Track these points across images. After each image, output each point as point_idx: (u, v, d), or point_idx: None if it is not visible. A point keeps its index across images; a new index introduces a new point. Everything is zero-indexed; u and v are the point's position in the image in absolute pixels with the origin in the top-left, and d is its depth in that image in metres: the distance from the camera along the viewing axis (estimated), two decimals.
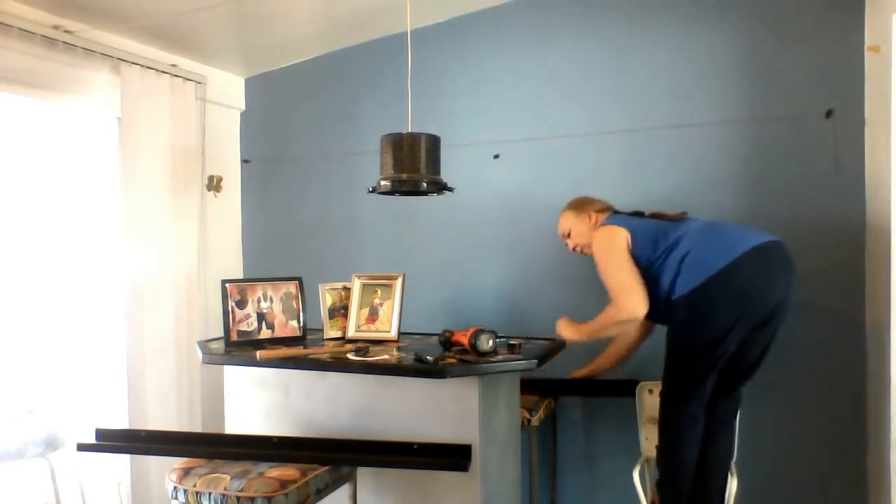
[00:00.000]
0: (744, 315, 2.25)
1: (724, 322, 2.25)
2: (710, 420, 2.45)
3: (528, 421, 2.83)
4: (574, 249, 2.74)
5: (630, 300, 2.36)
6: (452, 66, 3.47)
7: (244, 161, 3.94)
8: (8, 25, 2.63)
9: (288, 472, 2.11)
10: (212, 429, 3.30)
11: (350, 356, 2.35)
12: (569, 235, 2.74)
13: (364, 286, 2.83)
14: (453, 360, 2.27)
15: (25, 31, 2.69)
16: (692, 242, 2.36)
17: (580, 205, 2.74)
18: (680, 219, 2.51)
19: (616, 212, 2.69)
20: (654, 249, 2.41)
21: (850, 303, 2.81)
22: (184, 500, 2.11)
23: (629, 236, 2.45)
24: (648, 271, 2.42)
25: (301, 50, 3.72)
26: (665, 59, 3.10)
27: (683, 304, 2.31)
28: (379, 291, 2.81)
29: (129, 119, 3.13)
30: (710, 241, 2.34)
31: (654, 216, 2.56)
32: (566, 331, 2.61)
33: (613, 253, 2.44)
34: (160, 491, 3.10)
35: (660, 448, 2.46)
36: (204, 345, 2.69)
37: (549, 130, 3.28)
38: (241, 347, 2.62)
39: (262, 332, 2.71)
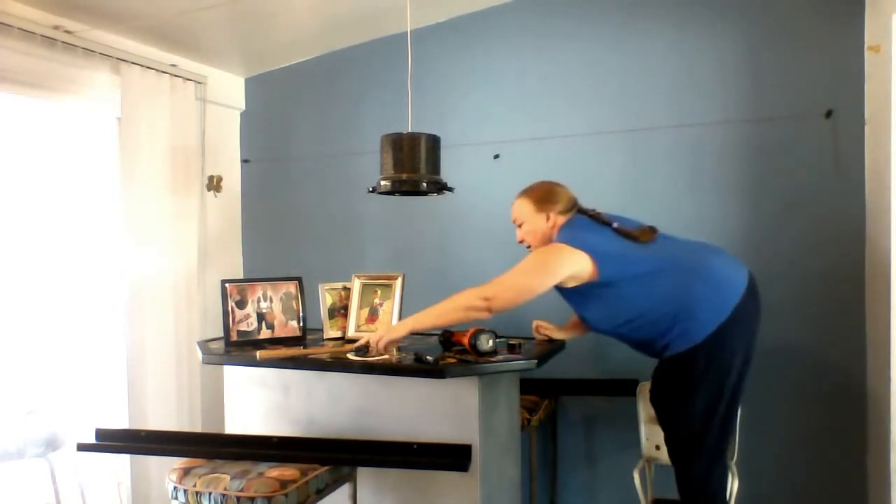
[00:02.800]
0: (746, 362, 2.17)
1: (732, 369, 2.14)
2: None
3: (528, 421, 2.83)
4: (520, 242, 2.47)
5: (508, 298, 2.20)
6: (453, 66, 3.47)
7: (244, 161, 3.94)
8: (8, 25, 2.62)
9: (288, 472, 2.11)
10: (212, 429, 3.30)
11: (350, 356, 2.35)
12: (520, 226, 2.44)
13: (364, 286, 2.83)
14: (453, 360, 2.27)
15: (25, 31, 2.69)
16: (683, 291, 2.15)
17: (541, 198, 2.38)
18: (650, 239, 2.23)
19: (580, 210, 2.37)
20: (622, 273, 2.17)
21: (850, 303, 2.81)
22: (184, 500, 2.11)
23: (592, 267, 2.15)
24: (616, 291, 2.19)
25: (301, 50, 3.72)
26: (665, 59, 3.10)
27: (698, 353, 2.13)
28: (379, 291, 2.81)
29: (129, 119, 3.13)
30: (705, 290, 2.14)
31: (619, 232, 2.25)
32: (388, 335, 2.31)
33: (547, 269, 2.19)
34: (160, 491, 3.10)
35: None
36: (204, 345, 2.69)
37: (549, 130, 3.28)
38: (241, 347, 2.62)
39: (262, 332, 2.71)
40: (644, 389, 2.76)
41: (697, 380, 2.15)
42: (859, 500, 2.81)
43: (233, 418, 2.70)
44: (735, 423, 2.35)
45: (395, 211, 3.55)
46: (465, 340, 2.37)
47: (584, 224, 2.32)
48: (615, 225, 2.27)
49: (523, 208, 2.43)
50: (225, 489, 2.04)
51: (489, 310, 2.19)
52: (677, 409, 2.23)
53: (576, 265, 2.17)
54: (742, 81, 2.98)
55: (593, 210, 2.37)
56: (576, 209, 2.39)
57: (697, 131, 3.03)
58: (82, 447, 2.43)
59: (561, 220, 2.36)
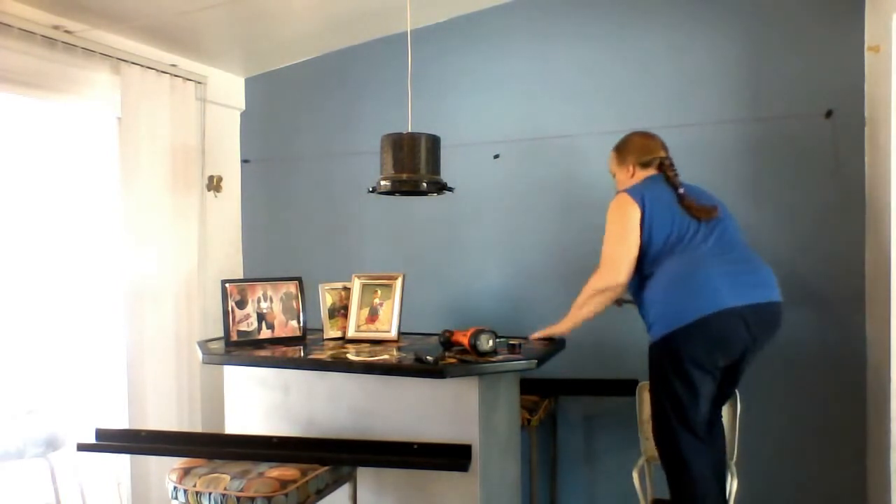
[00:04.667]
0: (712, 361, 2.25)
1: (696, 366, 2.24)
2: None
3: (528, 421, 2.83)
4: None
5: (613, 270, 2.33)
6: (452, 66, 3.47)
7: (244, 161, 3.94)
8: (8, 25, 2.62)
9: (288, 472, 2.11)
10: (212, 429, 3.30)
11: (350, 356, 2.35)
12: (614, 177, 2.61)
13: (364, 286, 2.83)
14: (453, 360, 2.27)
15: (25, 31, 2.68)
16: (683, 271, 2.26)
17: (624, 150, 2.53)
18: (708, 218, 2.32)
19: (661, 165, 2.44)
20: (660, 243, 2.30)
21: (850, 303, 2.82)
22: (184, 500, 2.10)
23: (640, 215, 2.31)
24: (644, 256, 2.34)
25: (301, 50, 3.72)
26: (665, 60, 3.10)
27: (658, 348, 2.29)
28: (379, 291, 2.81)
29: (129, 119, 3.13)
30: (680, 291, 2.24)
31: (683, 202, 2.33)
32: (550, 331, 2.54)
33: (619, 222, 2.34)
34: (160, 491, 3.10)
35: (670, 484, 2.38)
36: (204, 345, 2.69)
37: (549, 130, 3.28)
38: (240, 347, 2.62)
39: (262, 332, 2.71)
40: (644, 389, 2.76)
41: (651, 370, 2.34)
42: (859, 500, 2.82)
43: (233, 418, 2.70)
44: (702, 400, 2.32)
45: (395, 211, 3.55)
46: (465, 340, 2.37)
47: (650, 185, 2.40)
48: (681, 191, 2.36)
49: (611, 161, 2.60)
50: (225, 489, 2.04)
51: (605, 287, 2.37)
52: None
53: (634, 210, 2.32)
54: (742, 81, 2.98)
55: (672, 168, 2.43)
56: (655, 165, 2.46)
57: (697, 131, 3.02)
58: (82, 447, 2.43)
59: (641, 174, 2.47)
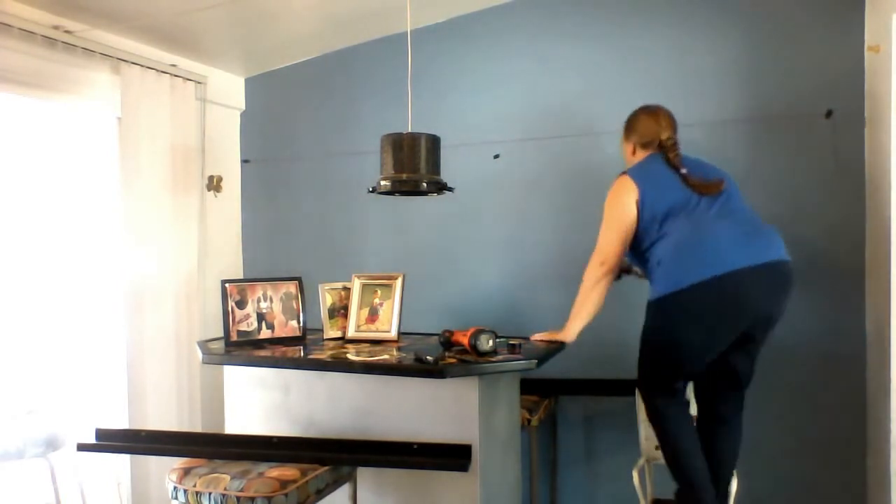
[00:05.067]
0: (717, 328, 2.21)
1: (696, 333, 2.23)
2: (712, 422, 2.43)
3: (528, 421, 2.83)
4: None
5: (601, 256, 2.39)
6: (452, 66, 3.47)
7: (244, 161, 3.94)
8: (8, 25, 2.62)
9: (288, 472, 2.11)
10: (212, 429, 3.30)
11: (350, 356, 2.35)
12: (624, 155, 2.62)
13: (364, 286, 2.83)
14: (453, 360, 2.27)
15: (25, 31, 2.69)
16: (684, 237, 2.24)
17: (629, 129, 2.54)
18: (717, 192, 2.29)
19: (661, 146, 2.42)
20: (662, 214, 2.29)
21: (850, 303, 2.82)
22: (184, 500, 2.10)
23: (638, 196, 2.31)
24: (647, 230, 2.33)
25: (301, 50, 3.72)
26: (665, 59, 3.10)
27: (655, 307, 2.28)
28: (379, 291, 2.81)
29: (129, 119, 3.13)
30: (697, 247, 2.22)
31: (688, 182, 2.31)
32: (561, 335, 2.53)
33: (613, 208, 2.37)
34: (160, 491, 3.10)
35: (659, 443, 2.43)
36: (204, 345, 2.69)
37: (549, 130, 3.28)
38: (240, 347, 2.62)
39: (262, 332, 2.71)
40: None
41: (646, 326, 2.34)
42: (859, 500, 2.82)
43: (233, 418, 2.70)
44: (689, 362, 2.32)
45: (395, 211, 3.55)
46: (465, 340, 2.36)
47: (650, 166, 2.40)
48: (683, 171, 2.33)
49: (621, 138, 2.60)
50: (225, 489, 2.04)
51: (609, 272, 2.40)
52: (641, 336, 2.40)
53: (630, 192, 2.33)
54: (742, 81, 2.98)
55: (673, 150, 2.40)
56: (656, 145, 2.43)
57: (697, 131, 3.02)
58: (82, 447, 2.43)
59: (642, 153, 2.47)
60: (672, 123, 2.47)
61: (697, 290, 2.15)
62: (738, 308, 2.19)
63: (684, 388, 2.41)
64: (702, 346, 2.25)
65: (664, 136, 2.43)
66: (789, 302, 2.27)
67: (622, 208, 2.34)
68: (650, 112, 2.50)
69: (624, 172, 2.41)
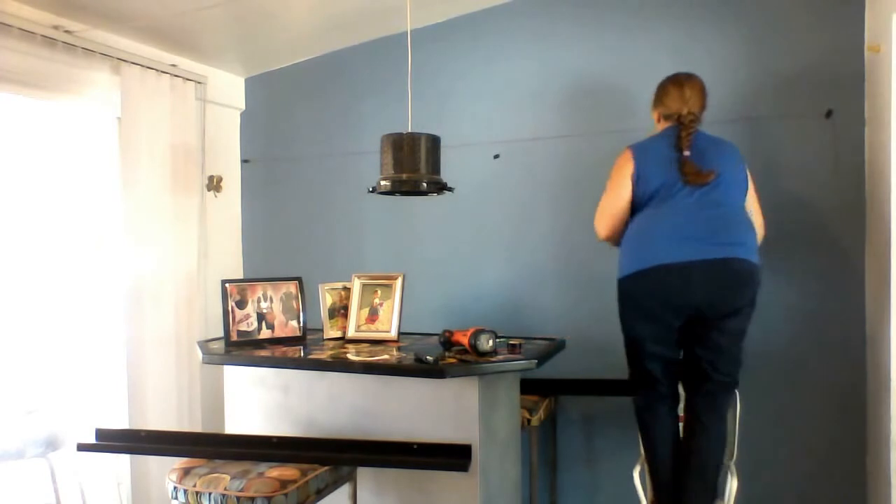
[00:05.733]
0: (652, 316, 2.36)
1: (638, 318, 2.40)
2: (689, 415, 2.49)
3: (528, 421, 2.83)
4: None
5: (597, 221, 2.50)
6: (452, 66, 3.47)
7: (244, 161, 3.94)
8: (8, 25, 2.62)
9: (288, 472, 2.11)
10: (212, 429, 3.30)
11: (350, 356, 2.35)
12: None
13: (364, 286, 2.83)
14: (453, 360, 2.27)
15: (25, 31, 2.68)
16: (651, 225, 2.37)
17: (656, 99, 2.56)
18: (702, 183, 2.32)
19: (680, 119, 2.42)
20: (647, 196, 2.39)
21: (850, 303, 2.82)
22: (184, 500, 2.11)
23: (633, 170, 2.40)
24: (636, 208, 2.44)
25: (301, 50, 3.72)
26: (665, 59, 3.10)
27: (618, 287, 2.44)
28: (379, 291, 2.81)
29: (129, 119, 3.13)
30: (650, 239, 2.35)
31: (682, 165, 2.34)
32: None
33: (613, 178, 2.47)
34: (160, 491, 3.10)
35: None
36: (204, 345, 2.69)
37: (548, 130, 3.28)
38: (240, 347, 2.62)
39: (262, 332, 2.71)
40: None
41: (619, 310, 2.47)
42: (859, 500, 2.82)
43: (233, 418, 2.70)
44: (649, 345, 2.43)
45: (395, 211, 3.55)
46: (465, 340, 2.37)
47: (654, 144, 2.45)
48: (686, 153, 2.35)
49: (651, 104, 2.62)
50: (225, 489, 2.04)
51: (605, 240, 2.53)
52: None
53: (628, 165, 2.42)
54: (742, 81, 2.98)
55: (689, 127, 2.39)
56: (675, 119, 2.44)
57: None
58: (82, 447, 2.43)
59: (663, 124, 2.52)
60: (699, 97, 2.46)
61: (632, 280, 2.35)
62: (666, 300, 2.31)
63: (666, 385, 2.48)
64: (643, 332, 2.40)
65: (684, 110, 2.43)
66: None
67: (616, 180, 2.45)
68: (677, 83, 2.50)
69: (628, 147, 2.49)
